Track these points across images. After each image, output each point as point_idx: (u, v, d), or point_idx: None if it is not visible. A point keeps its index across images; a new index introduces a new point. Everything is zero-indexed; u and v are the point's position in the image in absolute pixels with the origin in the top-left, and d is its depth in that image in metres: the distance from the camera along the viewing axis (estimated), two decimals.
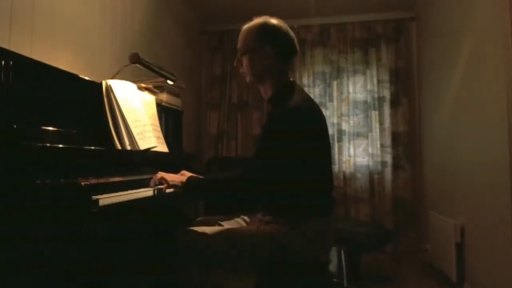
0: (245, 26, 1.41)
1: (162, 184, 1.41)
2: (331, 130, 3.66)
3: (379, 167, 3.56)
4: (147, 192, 1.43)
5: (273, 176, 1.26)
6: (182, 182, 1.35)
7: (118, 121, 1.61)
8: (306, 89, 3.71)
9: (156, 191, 1.45)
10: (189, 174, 1.44)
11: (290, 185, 1.29)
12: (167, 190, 1.46)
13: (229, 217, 1.61)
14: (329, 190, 1.41)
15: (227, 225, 1.53)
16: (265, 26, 1.38)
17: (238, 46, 1.43)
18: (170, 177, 1.40)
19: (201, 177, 1.43)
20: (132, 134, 1.64)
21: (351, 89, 3.72)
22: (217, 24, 3.94)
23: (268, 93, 1.44)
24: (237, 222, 1.57)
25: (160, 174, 1.41)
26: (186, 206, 2.50)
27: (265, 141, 1.31)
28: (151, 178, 1.45)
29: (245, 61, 1.41)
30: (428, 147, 3.32)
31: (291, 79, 1.45)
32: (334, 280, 1.28)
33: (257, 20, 1.40)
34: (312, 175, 1.32)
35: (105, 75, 1.87)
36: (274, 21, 1.39)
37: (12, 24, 1.56)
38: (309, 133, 1.31)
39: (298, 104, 1.31)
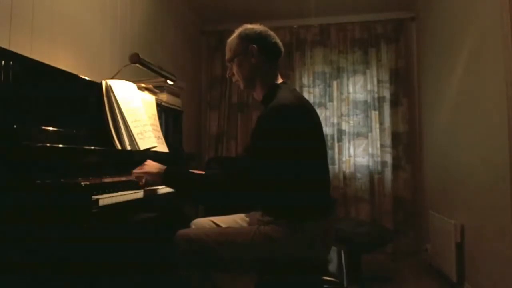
0: (228, 40, 1.48)
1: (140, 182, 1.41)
2: (331, 130, 3.66)
3: (379, 167, 3.56)
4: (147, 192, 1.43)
5: (264, 175, 1.26)
6: (160, 175, 1.35)
7: (118, 121, 1.61)
8: (306, 89, 3.72)
9: (144, 192, 1.42)
10: (153, 164, 1.42)
11: (283, 184, 1.29)
12: (166, 190, 1.46)
13: (226, 216, 1.61)
14: (327, 189, 1.41)
15: (224, 224, 1.53)
16: (244, 31, 1.44)
17: (226, 58, 1.48)
18: (148, 172, 1.39)
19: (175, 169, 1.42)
20: (132, 134, 1.64)
21: (351, 89, 3.72)
22: (217, 24, 3.94)
23: (260, 95, 1.46)
24: (235, 221, 1.57)
25: (135, 174, 1.41)
26: (186, 206, 2.49)
27: (254, 140, 1.31)
28: None
29: (234, 68, 1.45)
30: (428, 147, 3.32)
31: (284, 80, 1.48)
32: (334, 280, 1.28)
33: (237, 30, 1.47)
34: (306, 174, 1.31)
35: (105, 75, 1.87)
36: (251, 25, 1.46)
37: (12, 24, 1.56)
38: (299, 131, 1.30)
39: (287, 101, 1.31)
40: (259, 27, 1.44)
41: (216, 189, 1.29)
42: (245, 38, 1.41)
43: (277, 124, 1.27)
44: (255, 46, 1.40)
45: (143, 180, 1.41)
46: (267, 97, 1.40)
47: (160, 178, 1.36)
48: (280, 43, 1.47)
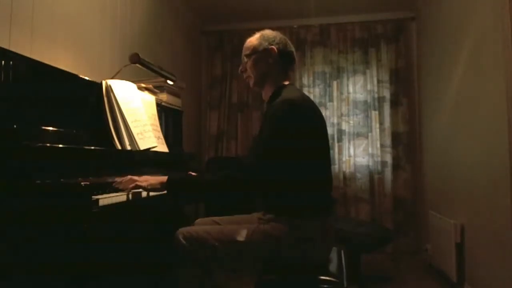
0: (248, 39, 1.54)
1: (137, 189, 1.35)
2: (331, 130, 3.66)
3: (379, 167, 3.56)
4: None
5: (274, 176, 1.28)
6: (162, 183, 1.34)
7: (118, 121, 1.61)
8: (306, 89, 3.72)
9: (131, 195, 1.36)
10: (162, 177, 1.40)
11: (289, 184, 1.31)
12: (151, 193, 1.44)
13: (228, 216, 1.61)
14: (328, 189, 1.42)
15: (226, 223, 1.54)
16: (267, 32, 1.52)
17: (243, 55, 1.52)
18: (146, 180, 1.35)
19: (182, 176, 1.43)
20: (132, 134, 1.64)
21: (351, 89, 3.72)
22: (217, 24, 3.94)
23: (268, 94, 1.50)
24: (236, 221, 1.57)
25: (132, 180, 1.34)
26: (186, 207, 2.49)
27: (264, 139, 1.32)
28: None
29: (249, 64, 1.50)
30: (428, 147, 3.32)
31: (290, 83, 1.53)
32: (334, 280, 1.28)
33: (258, 32, 1.54)
34: (310, 173, 1.33)
35: (105, 75, 1.87)
36: (272, 31, 1.54)
37: (12, 24, 1.56)
38: (306, 129, 1.32)
39: (293, 97, 1.34)
40: (280, 34, 1.53)
41: (225, 191, 1.32)
42: (267, 39, 1.49)
43: (285, 122, 1.29)
44: (274, 48, 1.46)
45: (131, 186, 1.34)
46: (274, 96, 1.44)
47: (161, 184, 1.34)
48: (295, 54, 1.54)
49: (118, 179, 1.35)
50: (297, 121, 1.30)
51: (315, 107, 1.45)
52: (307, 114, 1.35)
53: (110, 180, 1.37)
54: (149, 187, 1.35)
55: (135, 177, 1.36)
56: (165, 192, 1.43)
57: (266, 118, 1.34)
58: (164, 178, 1.35)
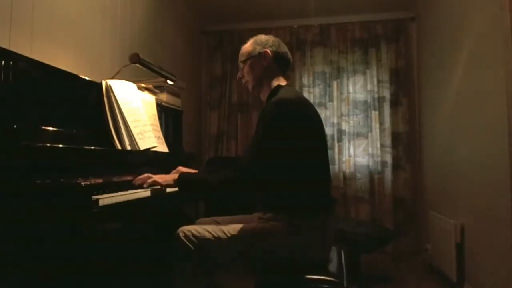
0: (243, 46, 1.58)
1: (154, 185, 1.42)
2: (331, 130, 3.66)
3: (379, 167, 3.56)
4: (147, 192, 1.43)
5: (271, 176, 1.28)
6: (174, 180, 1.39)
7: (118, 121, 1.61)
8: (306, 89, 3.72)
9: (152, 192, 1.43)
10: (183, 169, 1.49)
11: (287, 183, 1.31)
12: (168, 190, 1.48)
13: (229, 216, 1.62)
14: (328, 188, 1.42)
15: (226, 223, 1.54)
16: (260, 38, 1.56)
17: (239, 61, 1.57)
18: (161, 178, 1.42)
19: (193, 171, 1.48)
20: (132, 134, 1.64)
21: (351, 89, 3.72)
22: (217, 24, 3.94)
23: (265, 95, 1.53)
24: (237, 220, 1.57)
25: (150, 176, 1.42)
26: (186, 206, 2.49)
27: (259, 139, 1.33)
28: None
29: (246, 69, 1.54)
30: (428, 147, 3.32)
31: (288, 83, 1.54)
32: (334, 280, 1.28)
33: (252, 38, 1.59)
34: (309, 173, 1.33)
35: (105, 75, 1.87)
36: (265, 35, 1.58)
37: (12, 24, 1.56)
38: (301, 128, 1.33)
39: (287, 96, 1.36)
40: (272, 37, 1.57)
41: (226, 191, 1.37)
42: (260, 43, 1.53)
43: (279, 121, 1.29)
44: (268, 51, 1.50)
45: (150, 181, 1.41)
46: (271, 96, 1.45)
47: (174, 181, 1.40)
48: (289, 55, 1.57)
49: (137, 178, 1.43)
50: (292, 120, 1.31)
51: (311, 107, 1.45)
52: (302, 113, 1.36)
53: (110, 180, 1.37)
54: (164, 183, 1.41)
55: (151, 175, 1.43)
56: (166, 192, 1.44)
57: (262, 118, 1.35)
58: (175, 176, 1.41)
